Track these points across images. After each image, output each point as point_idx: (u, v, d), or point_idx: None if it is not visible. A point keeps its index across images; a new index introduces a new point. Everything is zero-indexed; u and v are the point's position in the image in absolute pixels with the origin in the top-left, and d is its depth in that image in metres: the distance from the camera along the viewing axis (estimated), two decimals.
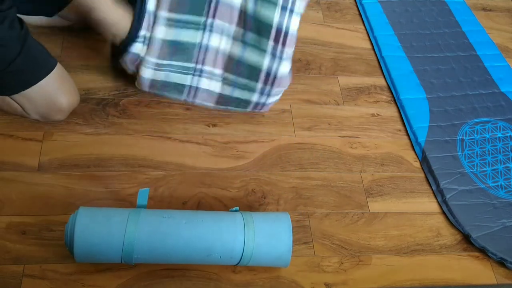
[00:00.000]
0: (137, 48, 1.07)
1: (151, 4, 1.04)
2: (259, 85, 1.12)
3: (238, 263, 0.94)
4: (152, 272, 0.97)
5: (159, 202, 1.07)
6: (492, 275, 1.10)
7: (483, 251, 1.12)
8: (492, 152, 1.32)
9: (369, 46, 1.54)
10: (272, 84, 1.12)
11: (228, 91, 1.14)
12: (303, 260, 1.04)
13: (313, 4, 1.63)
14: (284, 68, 1.11)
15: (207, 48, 1.10)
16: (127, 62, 1.11)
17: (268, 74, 1.11)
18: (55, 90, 1.06)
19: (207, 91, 1.15)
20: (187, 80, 1.12)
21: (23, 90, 1.03)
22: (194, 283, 0.97)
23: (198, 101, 1.18)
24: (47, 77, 1.03)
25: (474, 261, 1.11)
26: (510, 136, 1.37)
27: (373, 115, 1.36)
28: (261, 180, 1.15)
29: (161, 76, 1.12)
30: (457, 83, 1.47)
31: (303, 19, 1.56)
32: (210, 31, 1.08)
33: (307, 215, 1.12)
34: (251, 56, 1.10)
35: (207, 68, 1.12)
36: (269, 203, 1.12)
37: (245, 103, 1.17)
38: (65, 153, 1.10)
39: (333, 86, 1.40)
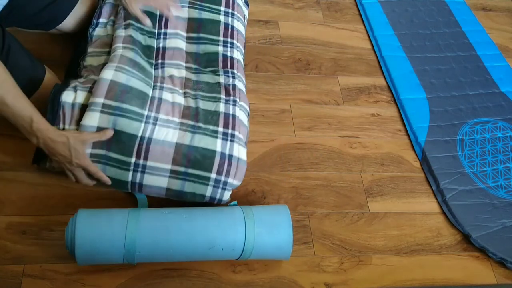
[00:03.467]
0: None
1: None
2: (213, 175, 0.97)
3: (240, 256, 0.94)
4: (152, 272, 0.97)
5: (159, 202, 1.06)
6: (492, 275, 1.10)
7: (483, 251, 1.12)
8: (492, 152, 1.32)
9: (369, 46, 1.54)
10: (228, 174, 0.97)
11: (177, 185, 0.97)
12: (303, 260, 1.04)
13: (313, 4, 1.64)
14: (236, 153, 0.99)
15: (150, 141, 0.95)
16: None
17: (222, 160, 0.97)
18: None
19: (152, 187, 0.98)
20: (127, 176, 0.96)
21: None
22: (194, 283, 0.97)
23: (145, 193, 1.01)
24: (35, 93, 1.00)
25: (474, 261, 1.11)
26: (510, 136, 1.36)
27: (373, 115, 1.36)
28: (261, 180, 1.15)
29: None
30: (457, 83, 1.47)
31: (303, 19, 1.57)
32: (154, 124, 0.97)
33: (307, 215, 1.12)
34: (201, 140, 0.97)
35: (150, 164, 0.95)
36: (269, 203, 1.12)
37: (200, 196, 0.99)
38: None
39: (333, 86, 1.40)
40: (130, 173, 0.95)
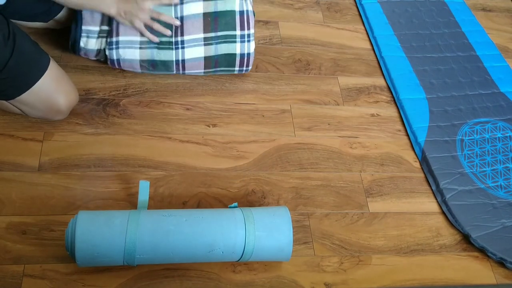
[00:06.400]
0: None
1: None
2: (238, 32, 1.22)
3: (240, 258, 0.94)
4: (152, 272, 0.97)
5: (159, 202, 1.07)
6: (491, 275, 1.10)
7: (482, 251, 1.12)
8: (492, 152, 1.32)
9: (369, 46, 1.55)
10: (249, 27, 1.22)
11: (212, 51, 1.21)
12: (303, 260, 1.04)
13: (313, 5, 1.64)
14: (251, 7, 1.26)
15: (183, 19, 1.20)
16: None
17: (241, 15, 1.22)
18: (51, 91, 1.05)
19: (193, 59, 1.22)
20: (171, 55, 1.20)
21: (18, 96, 1.01)
22: (194, 283, 0.97)
23: (188, 71, 1.25)
24: (41, 79, 1.01)
25: (473, 261, 1.12)
26: (509, 136, 1.37)
27: (373, 115, 1.36)
28: (261, 180, 1.15)
29: (147, 54, 1.20)
30: (456, 83, 1.48)
31: (303, 19, 1.57)
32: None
33: (307, 215, 1.12)
34: (223, 6, 1.22)
35: (187, 37, 1.20)
36: (269, 203, 1.12)
37: (231, 60, 1.24)
38: (65, 153, 1.10)
39: (333, 86, 1.40)
40: (173, 52, 1.19)
